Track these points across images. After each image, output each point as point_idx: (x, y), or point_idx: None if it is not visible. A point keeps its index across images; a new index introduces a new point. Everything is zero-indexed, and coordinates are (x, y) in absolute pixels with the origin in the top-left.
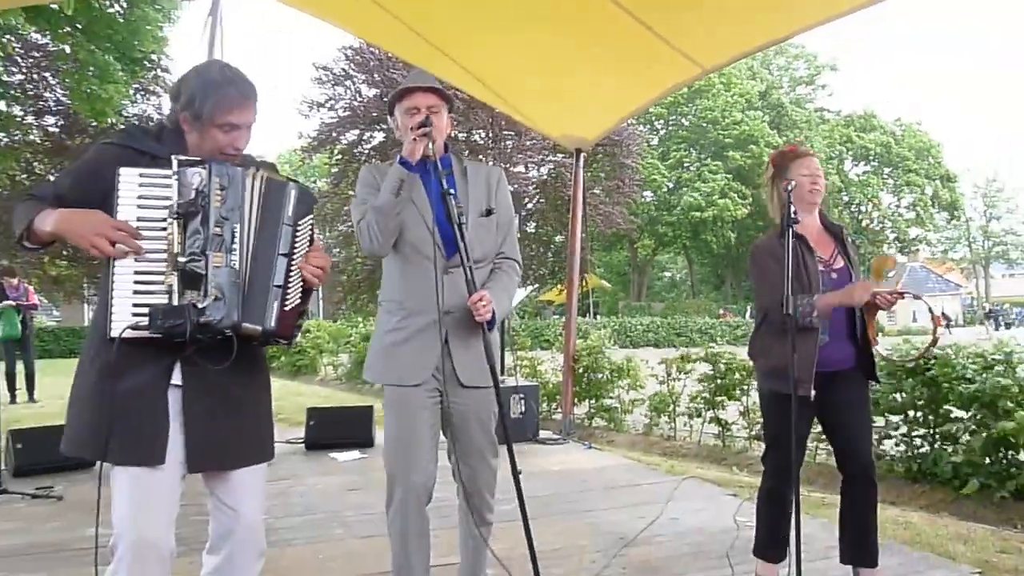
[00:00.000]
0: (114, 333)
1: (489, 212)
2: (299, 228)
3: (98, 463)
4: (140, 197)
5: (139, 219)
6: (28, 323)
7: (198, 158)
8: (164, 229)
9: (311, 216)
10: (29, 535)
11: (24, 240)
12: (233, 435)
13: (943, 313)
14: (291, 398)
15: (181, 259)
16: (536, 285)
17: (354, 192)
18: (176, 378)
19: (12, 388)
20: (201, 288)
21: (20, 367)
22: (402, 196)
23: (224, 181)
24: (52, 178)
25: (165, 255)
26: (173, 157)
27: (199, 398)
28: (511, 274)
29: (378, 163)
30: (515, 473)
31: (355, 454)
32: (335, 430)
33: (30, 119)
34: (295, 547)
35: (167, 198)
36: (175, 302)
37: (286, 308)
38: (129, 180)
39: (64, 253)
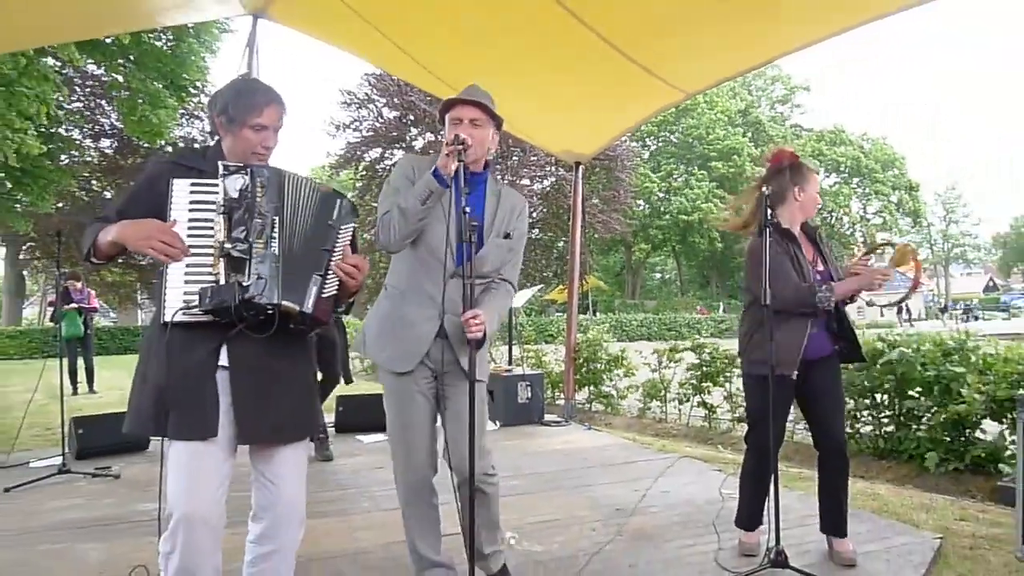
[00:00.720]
0: (167, 317)
1: (507, 236)
2: (341, 231)
3: (152, 446)
4: (191, 203)
5: (190, 220)
6: (89, 324)
7: (240, 163)
8: (211, 229)
9: (353, 224)
10: (90, 510)
11: (90, 257)
12: (276, 411)
13: (907, 307)
14: None
15: (227, 245)
16: (541, 286)
17: (376, 204)
18: (223, 359)
19: (74, 381)
20: (245, 271)
21: (80, 363)
22: (428, 206)
23: (264, 181)
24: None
25: (212, 251)
26: (220, 163)
27: (244, 376)
28: (504, 295)
29: (419, 156)
30: (471, 478)
31: (379, 436)
32: (361, 415)
33: (88, 142)
34: (329, 519)
35: (214, 202)
36: (222, 284)
37: (323, 295)
38: (181, 189)
39: (119, 261)
